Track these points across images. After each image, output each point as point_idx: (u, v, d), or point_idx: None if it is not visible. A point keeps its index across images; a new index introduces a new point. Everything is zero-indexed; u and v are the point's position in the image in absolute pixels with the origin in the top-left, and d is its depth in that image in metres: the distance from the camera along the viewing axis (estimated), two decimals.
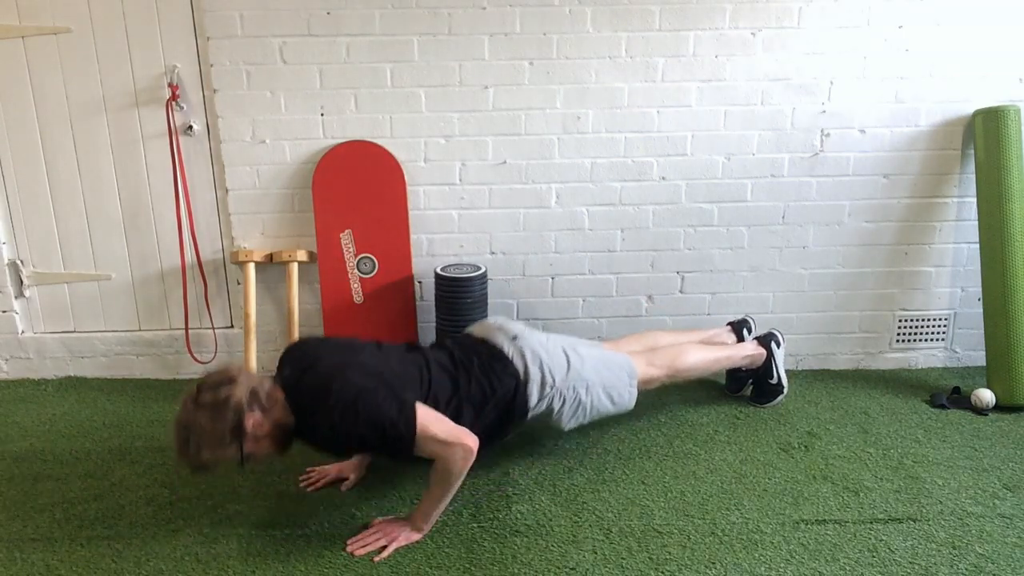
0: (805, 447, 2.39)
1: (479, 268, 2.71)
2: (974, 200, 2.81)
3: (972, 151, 2.77)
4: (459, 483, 1.91)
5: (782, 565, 1.82)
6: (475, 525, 1.99)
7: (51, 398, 2.82)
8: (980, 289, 2.78)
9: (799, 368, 3.01)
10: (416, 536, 1.93)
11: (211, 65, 2.64)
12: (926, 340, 3.01)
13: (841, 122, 2.75)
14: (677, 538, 1.93)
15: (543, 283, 2.92)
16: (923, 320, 2.99)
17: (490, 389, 2.06)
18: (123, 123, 2.74)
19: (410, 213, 2.78)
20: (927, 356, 3.03)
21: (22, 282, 2.91)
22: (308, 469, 2.25)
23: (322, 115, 2.70)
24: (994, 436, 2.46)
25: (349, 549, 1.88)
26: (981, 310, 2.76)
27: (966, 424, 2.54)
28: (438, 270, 2.71)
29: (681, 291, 2.94)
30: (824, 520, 2.00)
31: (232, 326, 2.96)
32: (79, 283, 2.91)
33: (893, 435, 2.47)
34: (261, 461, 1.90)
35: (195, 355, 2.93)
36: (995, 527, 1.97)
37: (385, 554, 1.86)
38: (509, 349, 2.15)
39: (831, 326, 2.99)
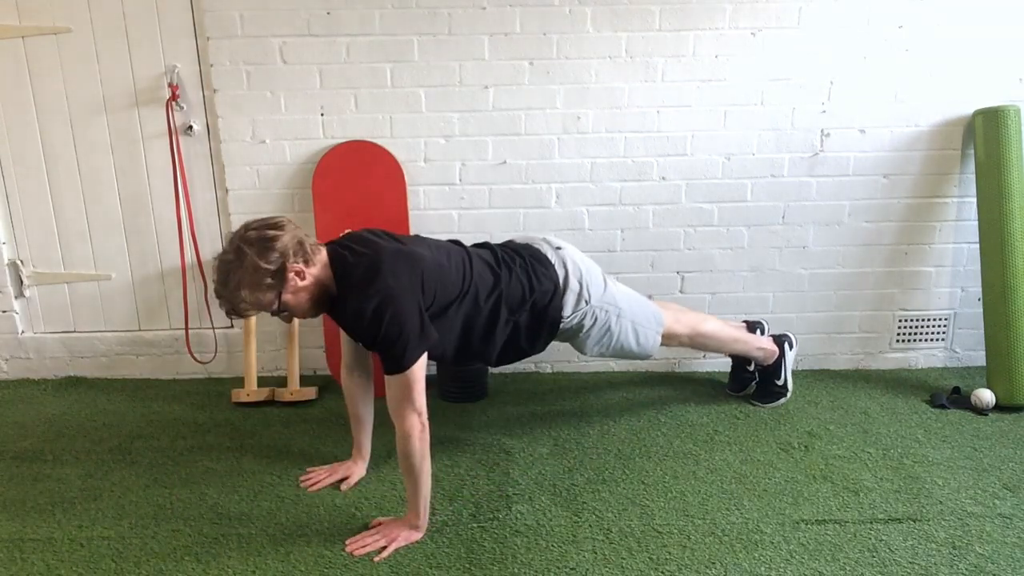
0: (805, 447, 2.39)
1: None
2: (974, 200, 2.81)
3: (972, 151, 2.77)
4: (426, 464, 1.89)
5: (782, 565, 1.82)
6: (475, 525, 1.99)
7: (51, 398, 2.82)
8: (980, 289, 2.78)
9: (799, 368, 3.00)
10: (416, 535, 1.93)
11: (211, 65, 2.65)
12: (926, 340, 3.01)
13: (841, 122, 2.75)
14: (677, 538, 1.93)
15: None
16: (923, 320, 2.99)
17: (529, 289, 2.09)
18: (123, 123, 2.75)
19: (410, 213, 2.78)
20: (927, 356, 3.03)
21: (22, 282, 2.91)
22: (308, 469, 2.25)
23: (322, 115, 2.70)
24: (994, 436, 2.45)
25: (349, 549, 1.88)
26: (981, 310, 2.76)
27: (966, 424, 2.54)
28: None
29: (681, 291, 2.93)
30: (824, 520, 2.00)
31: (232, 326, 2.95)
32: (79, 283, 2.92)
33: (893, 435, 2.47)
34: (295, 316, 1.92)
35: (195, 355, 2.93)
36: (995, 527, 1.96)
37: (385, 554, 1.86)
38: (552, 256, 2.19)
39: (831, 326, 2.99)
